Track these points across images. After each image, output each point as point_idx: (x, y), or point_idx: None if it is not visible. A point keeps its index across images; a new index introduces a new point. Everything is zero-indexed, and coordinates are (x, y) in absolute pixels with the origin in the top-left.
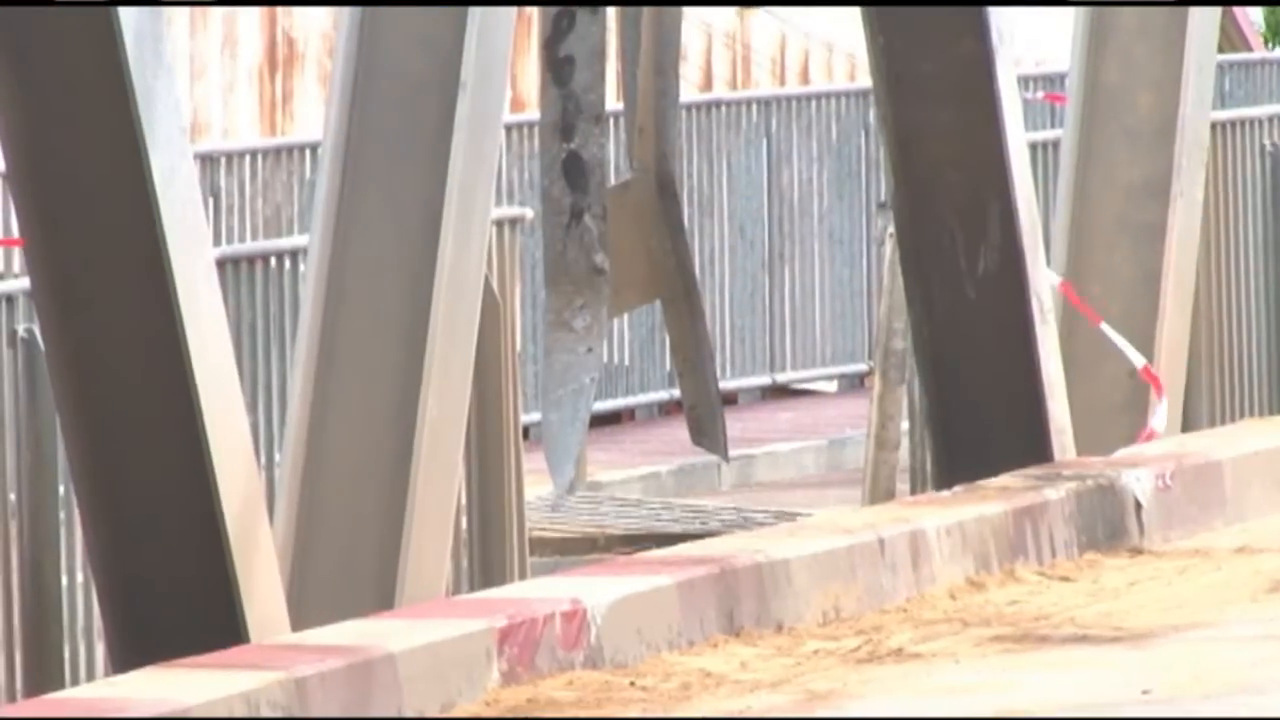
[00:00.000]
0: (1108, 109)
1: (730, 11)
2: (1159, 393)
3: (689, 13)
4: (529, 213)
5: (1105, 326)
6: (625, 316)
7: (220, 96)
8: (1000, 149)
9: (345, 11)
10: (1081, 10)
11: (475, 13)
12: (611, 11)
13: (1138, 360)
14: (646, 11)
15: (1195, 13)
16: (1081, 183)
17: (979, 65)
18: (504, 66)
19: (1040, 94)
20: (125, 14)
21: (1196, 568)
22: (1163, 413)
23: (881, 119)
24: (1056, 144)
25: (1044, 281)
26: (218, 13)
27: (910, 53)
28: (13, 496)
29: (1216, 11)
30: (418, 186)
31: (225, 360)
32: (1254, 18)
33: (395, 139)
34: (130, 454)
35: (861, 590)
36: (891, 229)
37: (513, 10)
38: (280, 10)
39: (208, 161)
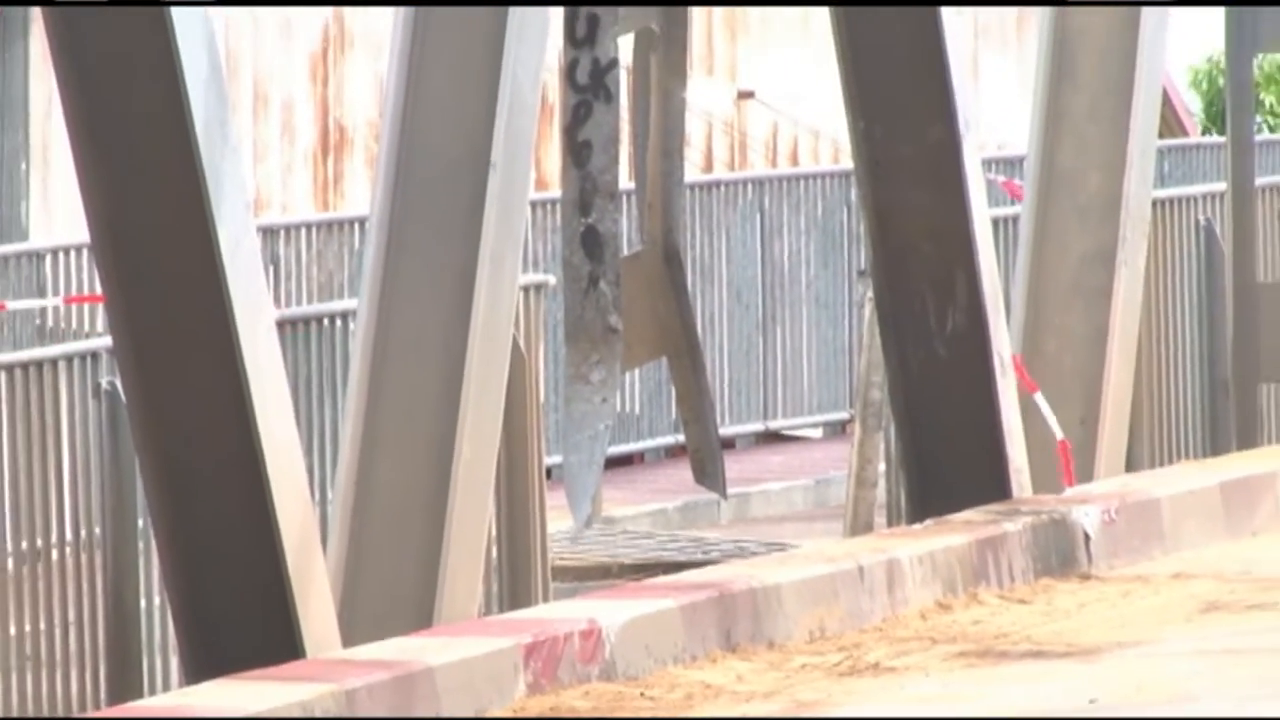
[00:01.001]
0: (1061, 187)
1: (729, 101)
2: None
3: (691, 103)
4: (551, 279)
5: (1039, 397)
6: (636, 370)
7: (280, 176)
8: (966, 224)
9: (389, 101)
10: (1038, 98)
11: (504, 101)
12: (624, 100)
13: (1058, 434)
14: (654, 102)
15: (1139, 100)
16: (1038, 252)
17: (948, 150)
18: (529, 150)
19: (1001, 179)
20: (195, 102)
21: (1138, 592)
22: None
23: (862, 197)
24: (1016, 219)
25: (1005, 340)
26: (277, 102)
27: (887, 139)
28: (98, 530)
29: (1158, 100)
30: (453, 256)
31: (284, 409)
32: (1191, 107)
33: (433, 214)
34: (200, 492)
35: (843, 612)
36: (870, 294)
37: (537, 97)
38: (332, 99)
39: (268, 233)
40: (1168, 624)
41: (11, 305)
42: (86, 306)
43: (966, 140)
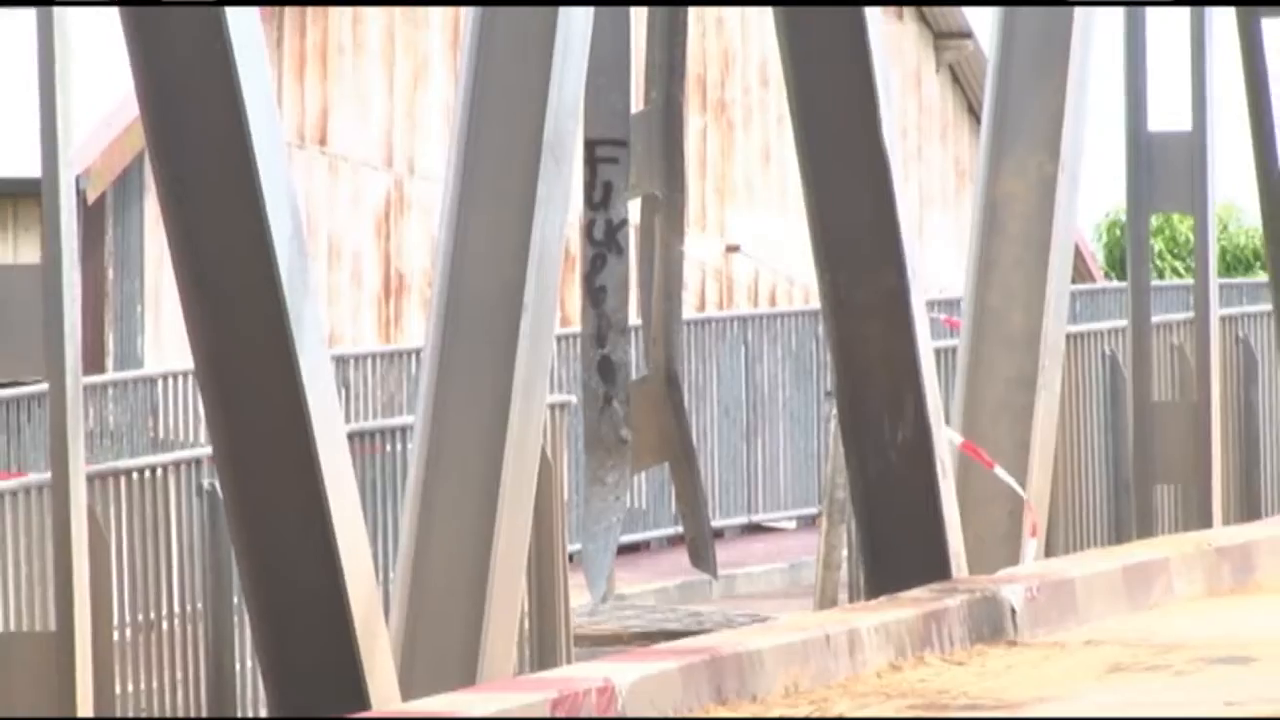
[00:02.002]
0: (991, 323)
1: (718, 253)
2: (1033, 527)
3: (688, 254)
4: (573, 399)
5: (999, 469)
6: (643, 474)
7: (350, 315)
8: (914, 354)
9: (440, 254)
10: (972, 250)
11: (534, 254)
12: (632, 253)
13: (1022, 494)
14: (657, 254)
15: (1055, 252)
16: (972, 377)
17: (898, 294)
18: (554, 293)
19: (942, 316)
20: (280, 255)
21: (1055, 656)
22: (1033, 548)
23: (828, 332)
24: (954, 350)
25: (946, 448)
26: (348, 254)
27: (849, 285)
28: (200, 604)
29: (1070, 252)
30: (492, 380)
31: (353, 506)
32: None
33: (476, 347)
34: (284, 574)
35: (813, 671)
36: (835, 411)
37: (561, 251)
38: (393, 252)
39: (340, 361)
40: (1080, 682)
41: None
42: (192, 417)
43: (913, 286)
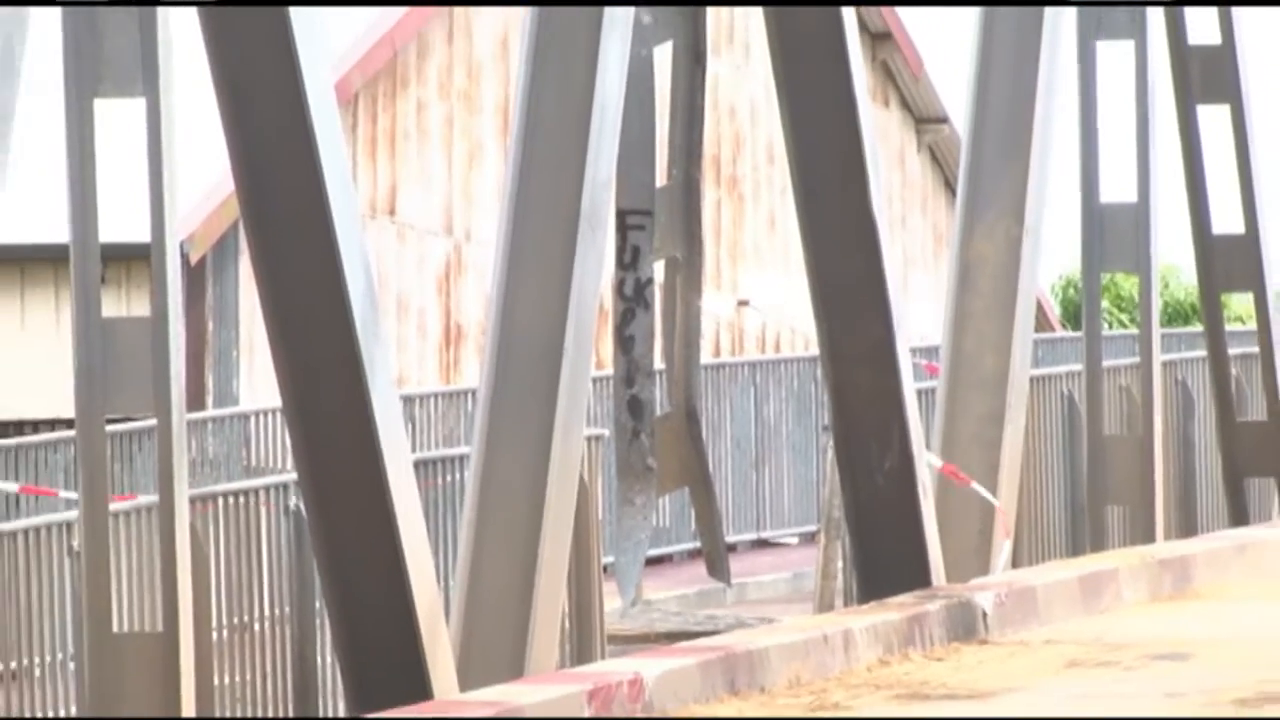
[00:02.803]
0: (965, 367)
1: (731, 307)
2: (1007, 533)
3: (705, 308)
4: (606, 433)
5: (975, 484)
6: (666, 497)
7: (415, 360)
8: (899, 394)
9: (492, 310)
10: (949, 303)
11: (573, 308)
12: (657, 306)
13: (996, 503)
14: (678, 308)
15: (1020, 305)
16: (950, 413)
17: (885, 342)
18: (590, 341)
19: (924, 362)
20: (355, 308)
21: (1020, 653)
22: (1007, 549)
23: (825, 375)
24: (933, 390)
25: (927, 474)
26: (414, 308)
27: (843, 334)
28: (287, 608)
29: (1033, 305)
30: (537, 418)
31: (418, 523)
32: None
33: (523, 387)
34: (359, 582)
35: (813, 666)
36: (831, 442)
37: (596, 305)
38: (453, 307)
39: (407, 400)
40: (1042, 676)
41: None
42: (279, 448)
43: (899, 335)
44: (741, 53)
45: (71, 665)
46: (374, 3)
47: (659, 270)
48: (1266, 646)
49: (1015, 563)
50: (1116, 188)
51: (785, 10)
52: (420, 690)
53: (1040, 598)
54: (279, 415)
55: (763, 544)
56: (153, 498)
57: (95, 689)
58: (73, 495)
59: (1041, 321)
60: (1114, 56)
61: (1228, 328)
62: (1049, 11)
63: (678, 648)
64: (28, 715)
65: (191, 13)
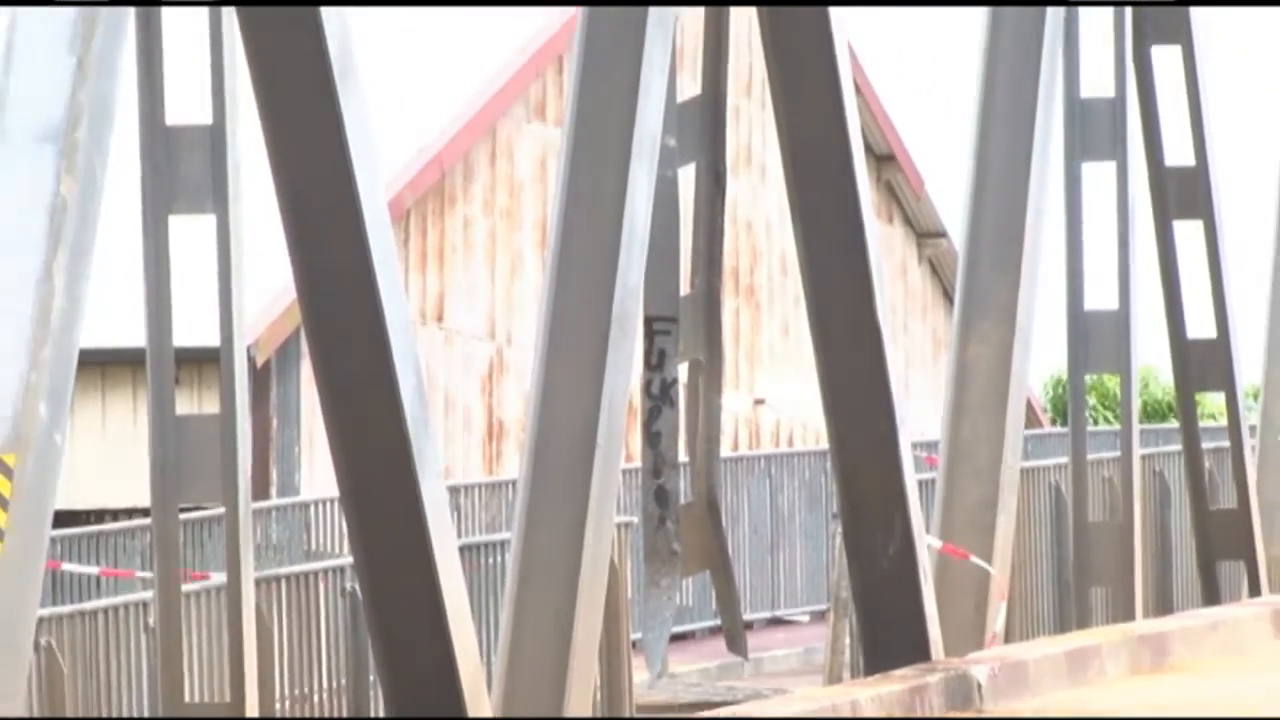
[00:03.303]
0: (962, 458)
1: (749, 405)
2: (1003, 596)
3: (724, 406)
4: (635, 520)
5: (974, 558)
6: (690, 578)
7: (461, 453)
8: (901, 484)
9: (531, 407)
10: (947, 399)
11: (604, 406)
12: (681, 405)
13: (994, 572)
14: (701, 406)
15: (1012, 402)
16: (948, 502)
17: (889, 437)
18: (621, 436)
19: (924, 454)
20: (407, 406)
21: None
22: (1002, 610)
23: (834, 467)
24: (933, 481)
25: (927, 558)
26: (460, 405)
27: (850, 430)
28: (344, 680)
29: (1024, 402)
30: (572, 506)
31: (463, 604)
32: (1047, 409)
33: (558, 477)
34: (409, 658)
35: None
36: (839, 529)
37: (625, 403)
38: (495, 405)
39: (453, 490)
40: None
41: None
42: (337, 534)
43: (901, 431)
44: (758, 174)
45: None
46: (416, 2)
47: (683, 371)
48: (1238, 715)
49: (1007, 638)
50: (1100, 296)
51: (799, 137)
52: None
53: (1030, 671)
54: (336, 504)
55: (777, 621)
56: (221, 579)
57: None
58: (148, 575)
59: (1031, 418)
60: (1098, 176)
61: (1201, 424)
62: (1038, 134)
63: (700, 717)
64: None
65: (258, 136)
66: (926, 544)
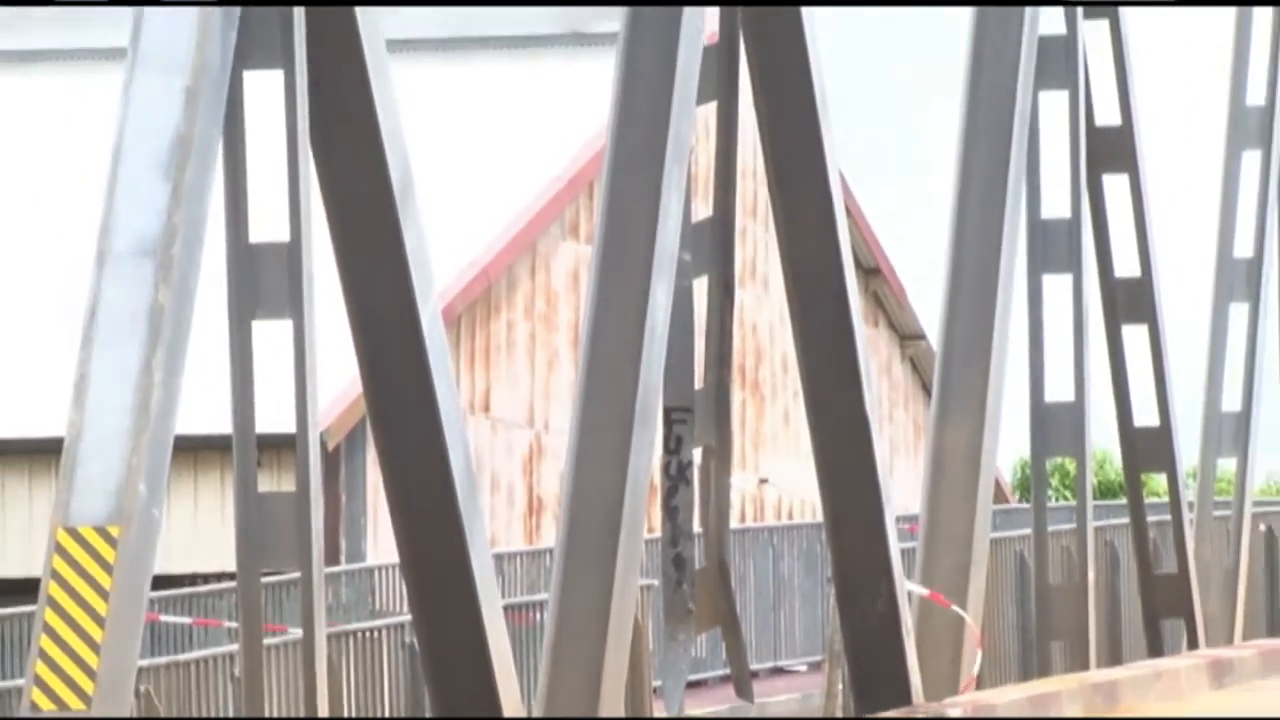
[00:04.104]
0: (939, 530)
1: (754, 484)
2: (979, 644)
3: (733, 484)
4: (655, 583)
5: (955, 607)
6: (703, 634)
7: (504, 526)
8: (887, 553)
9: (565, 485)
10: (925, 480)
11: (629, 487)
12: (696, 485)
13: (968, 618)
14: (712, 485)
15: (982, 480)
16: (927, 568)
17: (875, 513)
18: (643, 513)
19: (907, 526)
20: (459, 484)
21: None
22: (979, 656)
23: (828, 537)
24: (914, 549)
25: (908, 615)
26: (504, 484)
27: (842, 505)
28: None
29: (992, 481)
30: (600, 571)
31: (507, 658)
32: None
33: (589, 546)
34: (461, 703)
35: None
36: (833, 591)
37: (647, 483)
38: (535, 484)
39: (498, 557)
40: None
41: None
42: (398, 596)
43: (886, 507)
44: (762, 285)
45: None
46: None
47: (697, 454)
48: None
49: (978, 685)
50: (1058, 389)
51: (797, 254)
52: None
53: (999, 713)
54: (397, 569)
55: (779, 670)
56: (297, 634)
57: None
58: (234, 625)
59: (999, 495)
60: (1056, 287)
61: (1146, 500)
62: (1004, 250)
63: None
64: None
65: (329, 251)
66: (911, 591)
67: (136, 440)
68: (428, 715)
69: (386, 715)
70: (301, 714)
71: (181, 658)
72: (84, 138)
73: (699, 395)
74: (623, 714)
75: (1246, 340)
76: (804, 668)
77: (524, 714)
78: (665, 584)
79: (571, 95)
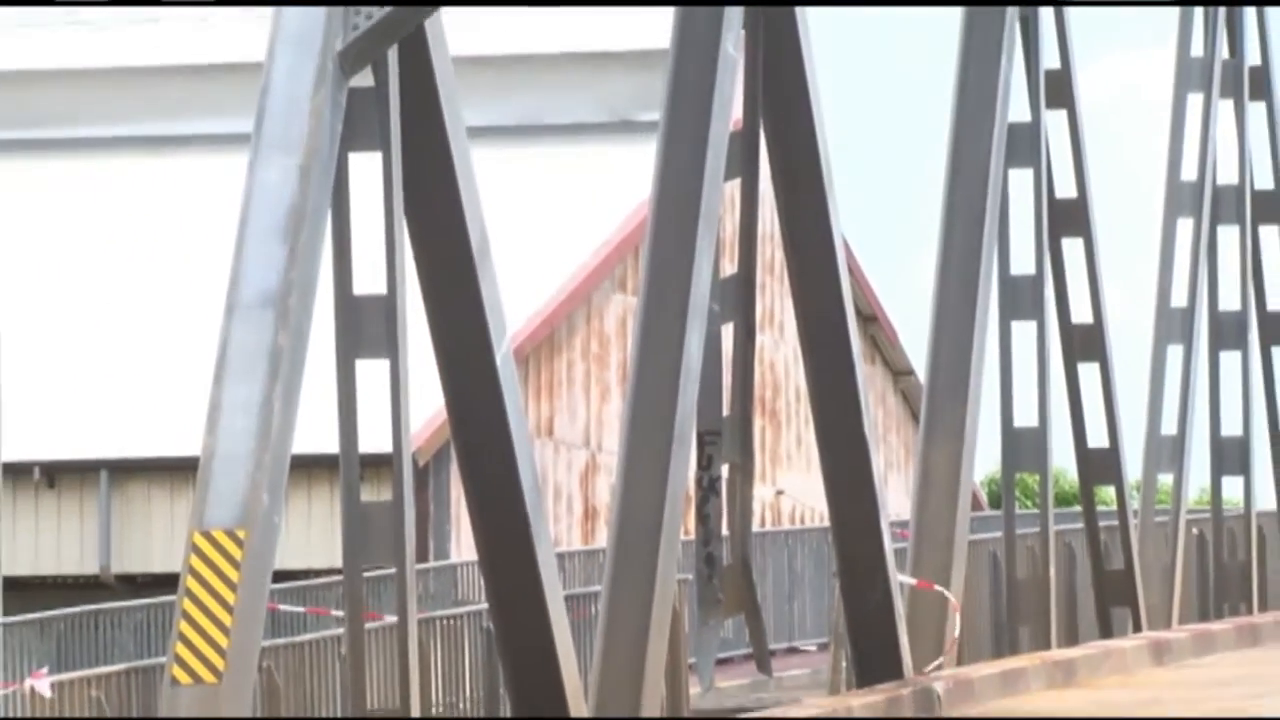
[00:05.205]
0: (926, 534)
1: (772, 494)
2: (956, 609)
3: (755, 495)
4: (690, 577)
5: (938, 587)
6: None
7: (565, 530)
8: (882, 552)
9: (615, 497)
10: (913, 493)
11: (669, 496)
12: (724, 496)
13: (949, 595)
14: (737, 496)
15: (962, 491)
16: (915, 564)
17: (872, 519)
18: (680, 517)
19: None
20: (528, 497)
21: None
22: (956, 619)
23: (833, 539)
24: (904, 549)
25: (901, 603)
26: (565, 495)
27: (845, 513)
28: (481, 692)
29: (970, 492)
30: (645, 568)
31: (567, 637)
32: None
33: (636, 547)
34: (530, 677)
35: None
36: (837, 584)
37: (683, 496)
38: (590, 495)
39: (560, 556)
40: None
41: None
42: (477, 587)
43: (881, 514)
44: (778, 331)
45: None
46: (483, 2)
47: (725, 470)
48: (1123, 714)
49: (959, 663)
50: (1025, 417)
51: (808, 304)
52: None
53: (976, 685)
54: (476, 566)
55: (793, 650)
56: (393, 620)
57: None
58: (340, 615)
59: (975, 504)
60: (1023, 331)
61: (1098, 509)
62: (979, 300)
63: (737, 719)
64: None
65: (419, 301)
66: (902, 583)
67: (259, 458)
68: (500, 686)
69: (468, 686)
70: (396, 685)
71: (297, 639)
72: (216, 208)
73: (726, 421)
74: (663, 685)
75: (1181, 376)
76: (814, 647)
77: (581, 684)
78: (698, 578)
79: (620, 173)
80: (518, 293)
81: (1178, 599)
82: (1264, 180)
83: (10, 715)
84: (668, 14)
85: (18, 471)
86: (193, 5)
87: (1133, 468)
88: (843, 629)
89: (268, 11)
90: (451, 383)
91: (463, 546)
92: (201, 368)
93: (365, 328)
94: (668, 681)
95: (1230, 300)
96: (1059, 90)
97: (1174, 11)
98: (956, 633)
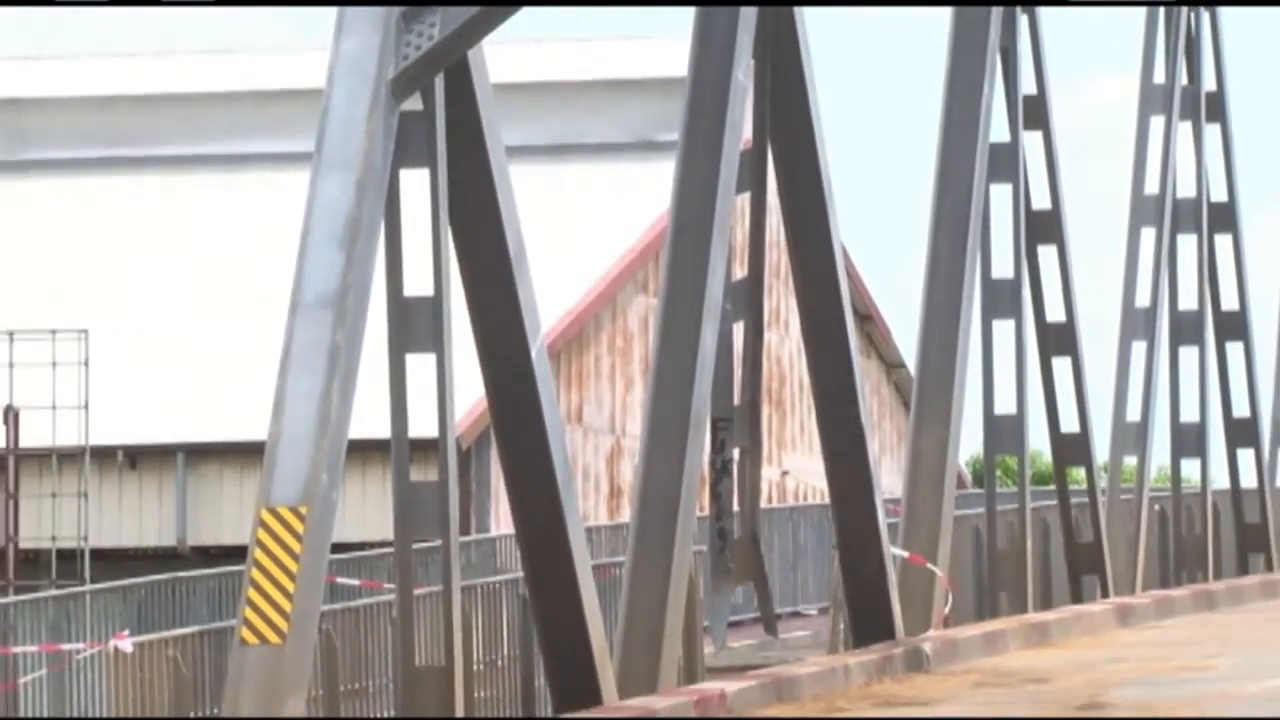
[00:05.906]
0: (916, 511)
1: (778, 474)
2: (945, 586)
3: (763, 475)
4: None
5: (929, 564)
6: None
7: (592, 506)
8: (877, 527)
9: (637, 476)
10: (905, 474)
11: (685, 479)
12: (735, 476)
13: (938, 572)
14: (747, 477)
15: (948, 471)
16: (907, 538)
17: (868, 497)
18: (695, 495)
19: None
20: (559, 475)
21: (948, 679)
22: (949, 599)
23: (833, 515)
24: (896, 524)
25: (893, 572)
26: (593, 475)
27: (843, 491)
28: (519, 650)
29: (955, 473)
30: (664, 539)
31: (594, 599)
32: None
33: (656, 522)
34: (561, 634)
35: (826, 686)
36: (836, 555)
37: (698, 476)
38: (616, 476)
39: (588, 530)
40: (962, 692)
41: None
42: (513, 558)
43: (876, 492)
44: (784, 328)
45: (390, 685)
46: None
47: (736, 453)
48: (1094, 674)
49: (946, 624)
50: (1005, 405)
51: (810, 304)
52: (594, 695)
53: (960, 646)
54: (513, 539)
55: (796, 614)
56: (438, 587)
57: (404, 698)
58: (391, 586)
59: (960, 483)
60: (1003, 329)
61: (1070, 488)
62: (964, 301)
63: (746, 674)
64: (361, 717)
65: (462, 301)
66: (895, 554)
67: (319, 442)
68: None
69: (505, 646)
70: (441, 645)
71: (353, 604)
72: (281, 219)
73: (737, 409)
74: (680, 644)
75: (1145, 369)
76: (815, 612)
77: (607, 644)
78: (711, 550)
79: (642, 188)
80: (551, 294)
81: (1141, 568)
82: (1219, 193)
83: (97, 672)
84: (685, 46)
85: (104, 454)
86: (201, 5)
87: (1101, 450)
88: (841, 595)
89: (328, 43)
90: (491, 375)
91: (501, 521)
92: (268, 361)
93: (414, 325)
94: (684, 642)
95: (1189, 301)
96: (1035, 113)
97: (1139, 42)
98: (947, 609)
